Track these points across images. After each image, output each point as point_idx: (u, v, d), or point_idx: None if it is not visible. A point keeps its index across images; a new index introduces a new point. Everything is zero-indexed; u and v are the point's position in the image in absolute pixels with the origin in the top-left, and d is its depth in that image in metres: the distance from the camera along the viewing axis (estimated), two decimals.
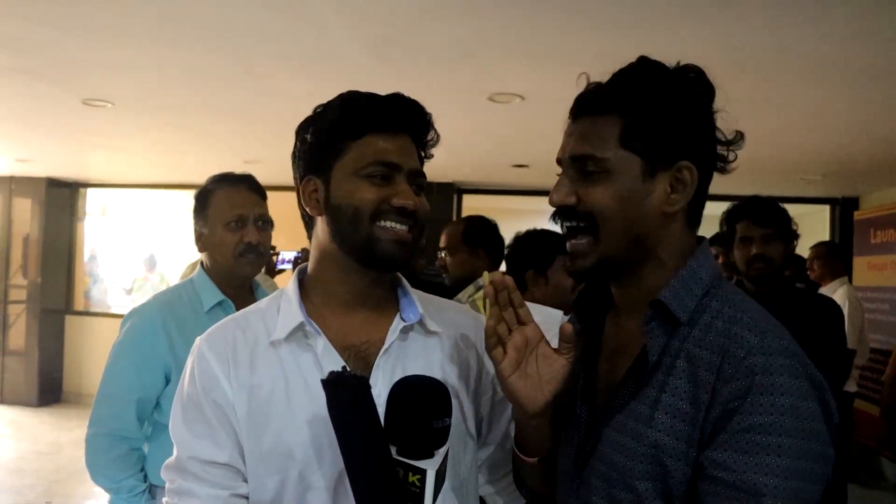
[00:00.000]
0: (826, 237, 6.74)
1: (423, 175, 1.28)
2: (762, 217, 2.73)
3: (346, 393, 1.02)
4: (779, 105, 3.91)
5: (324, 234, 1.27)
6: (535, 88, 3.76)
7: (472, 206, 7.47)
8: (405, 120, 1.26)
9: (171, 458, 1.24)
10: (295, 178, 1.31)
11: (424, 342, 1.30)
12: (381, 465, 1.00)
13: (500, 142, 5.17)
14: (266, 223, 2.19)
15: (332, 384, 1.03)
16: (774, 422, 0.96)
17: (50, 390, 8.14)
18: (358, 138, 1.23)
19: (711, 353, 1.03)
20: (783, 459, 0.95)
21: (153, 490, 2.07)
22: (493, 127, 4.59)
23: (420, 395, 1.05)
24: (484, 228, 3.13)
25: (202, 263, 2.20)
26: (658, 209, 1.10)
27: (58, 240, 8.28)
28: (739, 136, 1.16)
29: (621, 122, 1.09)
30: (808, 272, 5.10)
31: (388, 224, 1.21)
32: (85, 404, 7.26)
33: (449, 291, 3.00)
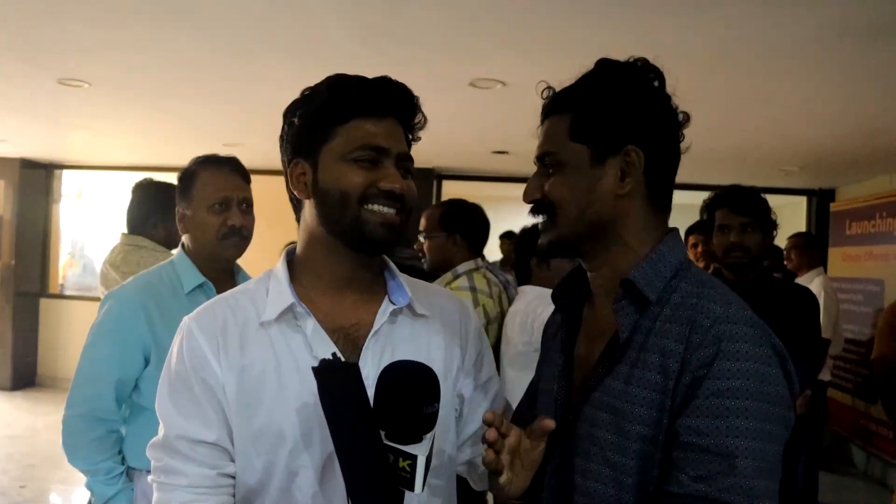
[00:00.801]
0: (803, 228, 6.82)
1: (411, 158, 1.29)
2: (741, 206, 2.75)
3: (337, 381, 1.03)
4: (762, 97, 3.94)
5: (311, 217, 1.28)
6: (516, 74, 3.75)
7: (451, 192, 7.46)
8: (393, 103, 1.27)
9: (158, 437, 1.25)
10: (283, 161, 1.32)
11: (412, 325, 1.32)
12: (372, 451, 1.01)
13: (481, 128, 5.17)
14: (250, 206, 2.17)
15: (323, 372, 1.03)
16: (741, 386, 1.03)
17: (24, 374, 8.06)
18: (346, 122, 1.23)
19: (680, 325, 1.11)
20: (751, 422, 1.02)
21: (131, 472, 2.06)
22: (474, 113, 4.58)
23: (410, 381, 1.05)
24: (462, 213, 3.11)
25: (183, 245, 2.19)
26: (611, 192, 1.19)
27: (32, 222, 8.16)
28: (686, 117, 1.24)
29: (569, 118, 1.20)
30: (785, 262, 5.17)
31: (376, 207, 1.22)
32: (60, 388, 7.19)
33: (424, 275, 3.00)
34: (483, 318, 2.93)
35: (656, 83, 1.22)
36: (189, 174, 2.15)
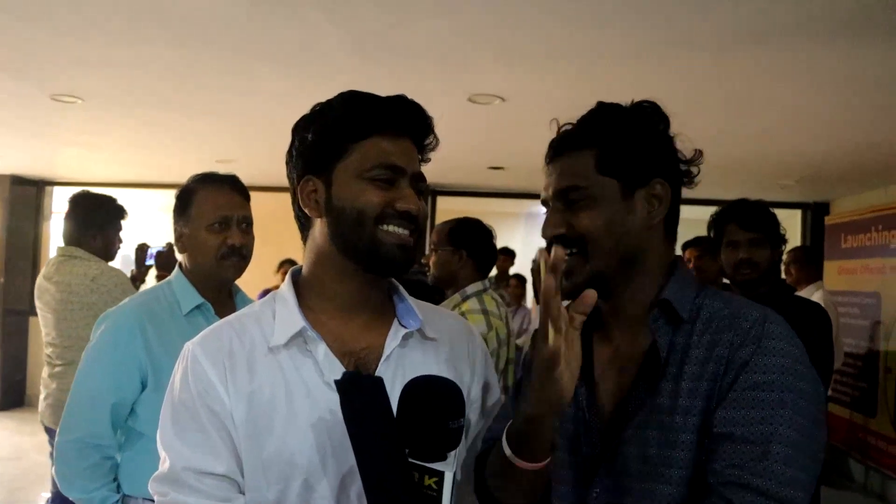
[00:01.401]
0: (797, 242, 6.82)
1: (424, 179, 1.27)
2: (749, 221, 2.72)
3: (361, 394, 0.99)
4: (761, 107, 3.93)
5: (322, 237, 1.24)
6: (515, 89, 3.73)
7: (445, 207, 7.44)
8: (409, 123, 1.25)
9: (163, 470, 1.19)
10: (290, 178, 1.28)
11: (423, 349, 1.29)
12: (398, 469, 0.97)
13: (478, 143, 5.14)
14: (249, 225, 2.13)
15: (347, 385, 1.00)
16: (777, 380, 1.07)
17: (13, 393, 7.93)
18: (362, 139, 1.21)
19: (723, 333, 1.14)
20: (787, 412, 1.05)
21: (126, 500, 2.00)
22: (471, 128, 4.55)
23: (435, 395, 1.03)
24: (471, 230, 3.06)
25: (180, 265, 2.14)
26: (641, 224, 1.22)
27: (22, 239, 8.06)
28: (698, 154, 1.28)
29: (595, 153, 1.21)
30: (785, 276, 5.14)
31: (392, 228, 1.20)
32: None
33: (429, 289, 2.96)
34: (495, 342, 2.90)
35: (661, 126, 1.25)
36: (187, 192, 2.11)
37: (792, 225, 7.29)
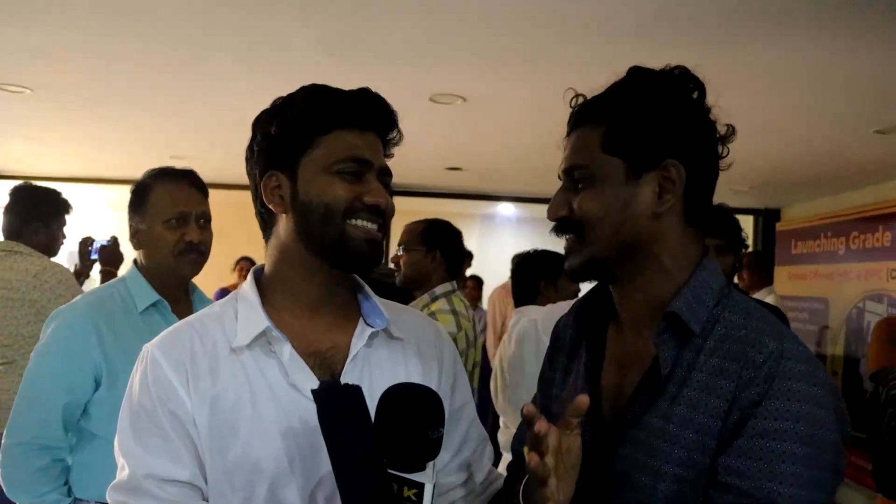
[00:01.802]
0: (750, 247, 6.95)
1: (391, 173, 1.25)
2: (713, 228, 2.69)
3: (339, 403, 0.96)
4: (717, 114, 3.97)
5: (287, 233, 1.21)
6: (477, 90, 3.71)
7: (401, 208, 7.32)
8: (374, 116, 1.23)
9: (122, 477, 1.14)
10: (251, 174, 1.25)
11: (389, 349, 1.26)
12: (377, 480, 0.94)
13: (438, 143, 5.11)
14: (208, 221, 2.08)
15: (325, 394, 0.97)
16: (790, 428, 0.96)
17: None
18: (327, 133, 1.18)
19: (731, 362, 1.03)
20: (797, 468, 0.95)
21: None
22: (432, 128, 4.51)
23: (414, 405, 1.00)
24: (446, 232, 3.07)
25: (136, 261, 2.08)
26: (647, 210, 1.11)
27: None
28: (731, 129, 1.18)
29: (603, 129, 1.12)
30: (738, 281, 5.23)
31: (360, 223, 1.17)
32: None
33: (397, 291, 2.94)
34: (464, 343, 2.89)
35: (695, 94, 1.15)
36: (143, 187, 2.05)
37: (744, 230, 7.42)
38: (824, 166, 5.16)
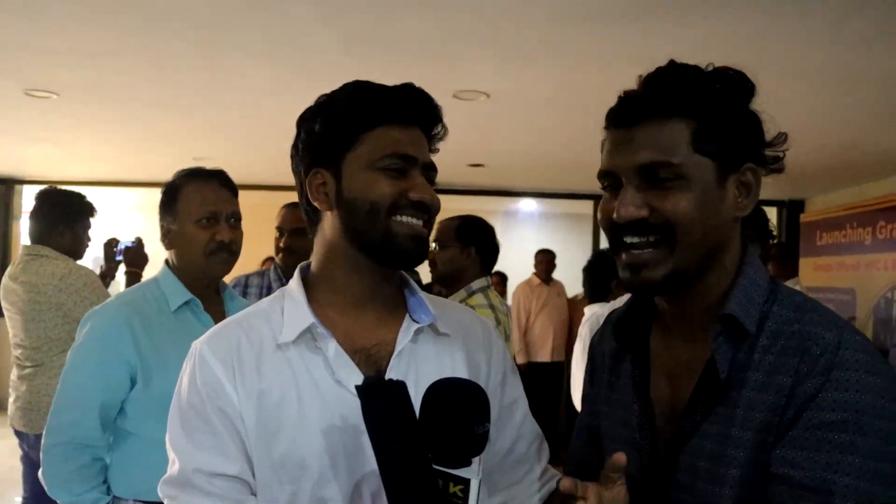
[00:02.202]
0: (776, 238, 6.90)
1: (435, 168, 1.23)
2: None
3: (384, 399, 0.95)
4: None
5: (332, 230, 1.20)
6: (501, 86, 3.72)
7: None
8: (418, 111, 1.21)
9: (172, 472, 1.15)
10: (297, 172, 1.24)
11: (435, 344, 1.25)
12: (422, 477, 0.93)
13: (461, 140, 5.12)
14: (238, 221, 2.09)
15: (369, 390, 0.96)
16: (850, 419, 0.92)
17: None
18: (371, 129, 1.17)
19: (787, 357, 1.00)
20: (856, 458, 0.91)
21: (117, 502, 1.95)
22: (455, 125, 4.47)
23: (460, 399, 0.98)
24: (480, 228, 3.07)
25: (167, 262, 2.09)
26: (731, 215, 1.07)
27: None
28: (783, 137, 1.13)
29: (692, 126, 1.04)
30: None
31: (405, 219, 1.15)
32: None
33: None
34: (503, 338, 2.87)
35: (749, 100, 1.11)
36: (174, 187, 2.06)
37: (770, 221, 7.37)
38: (848, 156, 5.12)
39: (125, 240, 3.66)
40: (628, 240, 1.08)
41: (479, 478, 0.96)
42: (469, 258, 2.98)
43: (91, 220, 3.37)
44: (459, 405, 0.97)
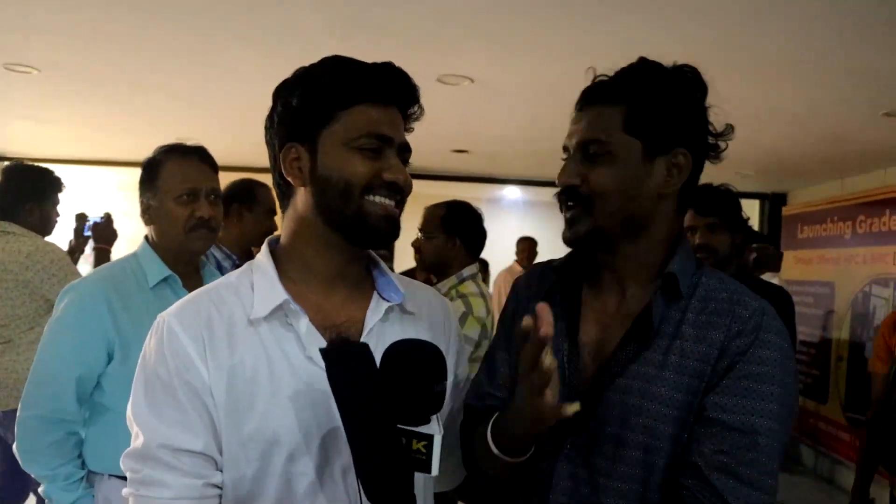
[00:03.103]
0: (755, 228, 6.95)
1: (410, 149, 1.24)
2: (705, 206, 2.70)
3: (349, 362, 0.97)
4: (723, 98, 3.96)
5: (304, 206, 1.20)
6: (485, 71, 3.71)
7: None
8: (397, 91, 1.21)
9: (136, 446, 1.15)
10: (270, 144, 1.24)
11: (402, 323, 1.27)
12: (388, 436, 0.95)
13: (445, 125, 5.10)
14: (218, 197, 2.10)
15: (335, 353, 0.97)
16: (769, 372, 1.12)
17: None
18: (349, 107, 1.17)
19: (718, 317, 1.18)
20: (773, 405, 1.11)
21: (91, 477, 1.96)
22: (439, 109, 4.50)
23: (420, 359, 1.01)
24: (465, 216, 3.06)
25: (147, 237, 2.10)
26: (655, 191, 1.22)
27: None
28: (730, 128, 1.29)
29: (625, 110, 1.20)
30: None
31: (378, 199, 1.17)
32: None
33: None
34: (491, 325, 2.91)
35: (698, 95, 1.25)
36: (154, 163, 2.06)
37: (751, 215, 7.41)
38: (830, 150, 5.15)
39: (94, 215, 3.61)
40: (567, 204, 1.25)
41: (441, 433, 0.99)
42: (455, 248, 3.00)
43: (59, 195, 3.34)
44: (420, 363, 1.00)
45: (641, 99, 1.20)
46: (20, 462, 1.94)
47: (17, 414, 1.94)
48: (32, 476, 1.97)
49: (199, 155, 2.08)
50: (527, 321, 0.98)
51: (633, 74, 1.24)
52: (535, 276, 1.42)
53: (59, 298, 2.00)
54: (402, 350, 1.02)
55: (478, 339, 2.82)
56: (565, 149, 1.28)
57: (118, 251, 3.36)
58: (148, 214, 2.07)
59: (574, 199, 1.24)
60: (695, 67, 1.26)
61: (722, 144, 1.29)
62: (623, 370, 1.20)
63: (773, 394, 1.11)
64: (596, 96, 1.25)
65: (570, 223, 1.25)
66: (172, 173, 2.03)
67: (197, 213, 2.01)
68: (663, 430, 1.15)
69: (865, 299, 5.35)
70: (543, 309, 0.97)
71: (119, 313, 1.92)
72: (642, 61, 1.25)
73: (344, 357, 0.98)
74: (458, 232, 3.00)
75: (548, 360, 0.98)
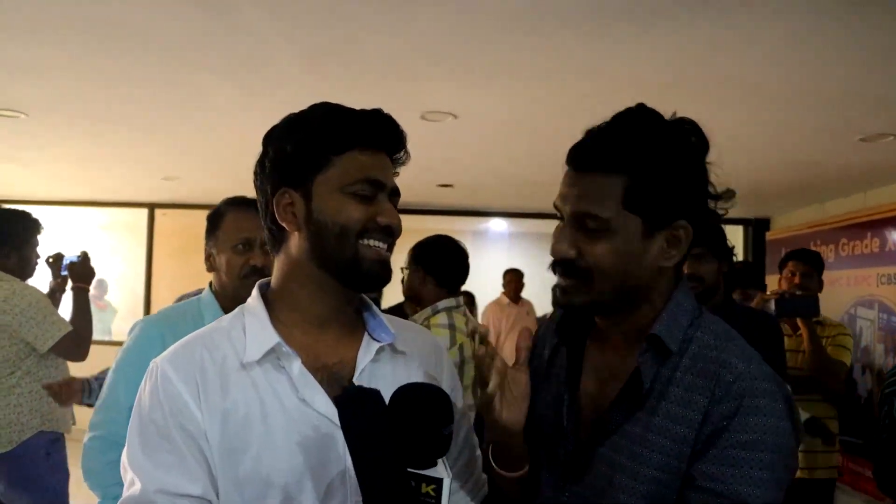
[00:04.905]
0: (740, 257, 7.00)
1: (399, 193, 1.28)
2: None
3: (362, 409, 0.99)
4: (704, 124, 4.00)
5: (298, 250, 1.22)
6: (468, 107, 3.74)
7: None
8: (386, 137, 1.24)
9: (133, 492, 1.13)
10: (261, 190, 1.27)
11: (393, 363, 1.28)
12: (399, 480, 0.97)
13: (430, 161, 5.13)
14: None
15: (349, 400, 1.00)
16: (758, 440, 1.08)
17: None
18: (342, 152, 1.20)
19: (704, 379, 1.14)
20: (764, 472, 1.08)
21: None
22: (423, 146, 4.53)
23: (428, 402, 1.03)
24: (434, 250, 3.15)
25: (210, 284, 2.22)
26: (654, 264, 1.20)
27: None
28: (731, 193, 1.24)
29: (624, 184, 1.14)
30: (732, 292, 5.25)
31: (373, 243, 1.20)
32: None
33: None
34: (458, 357, 2.96)
35: (700, 156, 1.20)
36: (216, 215, 2.20)
37: (735, 240, 7.47)
38: (810, 175, 5.25)
39: (70, 255, 3.58)
40: (563, 276, 1.23)
41: (450, 477, 1.01)
42: (424, 280, 3.09)
43: (39, 237, 3.35)
44: (428, 407, 1.02)
45: (642, 171, 1.14)
46: (85, 480, 2.06)
47: (85, 436, 2.07)
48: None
49: (255, 206, 2.17)
50: (483, 328, 1.07)
51: (631, 135, 1.16)
52: (550, 329, 1.42)
53: (130, 330, 2.16)
54: (411, 394, 1.04)
55: None
56: (556, 208, 1.23)
57: (113, 290, 3.33)
58: (209, 262, 2.20)
59: (570, 272, 1.21)
60: (693, 121, 1.21)
61: (721, 211, 1.25)
62: (616, 428, 1.20)
63: (763, 461, 1.08)
64: (592, 161, 1.18)
65: (565, 292, 1.23)
66: (230, 224, 2.16)
67: (251, 261, 2.12)
68: (639, 490, 1.15)
69: (851, 321, 5.39)
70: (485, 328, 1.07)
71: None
72: (640, 112, 1.20)
73: (358, 404, 1.00)
74: (425, 265, 3.10)
75: (492, 383, 1.16)
